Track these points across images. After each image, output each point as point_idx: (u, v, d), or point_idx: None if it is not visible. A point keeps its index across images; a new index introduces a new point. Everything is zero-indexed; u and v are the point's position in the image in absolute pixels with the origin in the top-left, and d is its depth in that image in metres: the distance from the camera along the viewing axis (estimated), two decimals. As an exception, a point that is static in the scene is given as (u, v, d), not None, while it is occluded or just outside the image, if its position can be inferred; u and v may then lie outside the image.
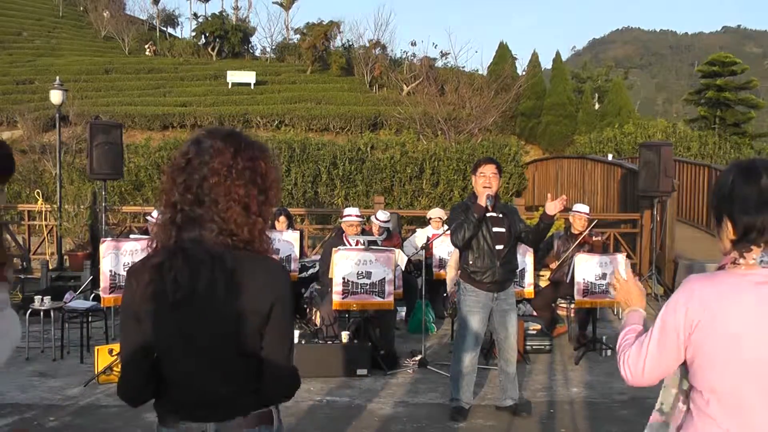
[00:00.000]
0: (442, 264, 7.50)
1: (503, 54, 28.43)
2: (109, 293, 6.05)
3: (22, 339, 6.10)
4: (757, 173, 1.71)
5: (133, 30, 38.00)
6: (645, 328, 1.87)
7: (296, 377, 1.81)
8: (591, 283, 6.51)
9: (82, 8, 42.54)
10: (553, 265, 7.48)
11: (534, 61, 28.07)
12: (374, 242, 7.11)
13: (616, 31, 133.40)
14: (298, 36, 38.15)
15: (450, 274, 6.85)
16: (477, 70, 31.36)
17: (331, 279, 6.06)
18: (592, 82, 34.37)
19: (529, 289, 6.94)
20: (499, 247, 4.71)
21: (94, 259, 8.80)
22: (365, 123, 25.67)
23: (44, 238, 10.33)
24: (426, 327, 6.92)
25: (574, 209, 7.52)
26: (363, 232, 7.41)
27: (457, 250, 5.03)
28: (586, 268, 6.53)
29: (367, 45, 33.16)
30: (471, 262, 4.73)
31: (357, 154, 16.05)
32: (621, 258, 6.66)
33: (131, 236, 7.17)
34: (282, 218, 7.66)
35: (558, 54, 28.63)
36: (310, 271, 7.36)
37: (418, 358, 6.22)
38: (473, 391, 4.93)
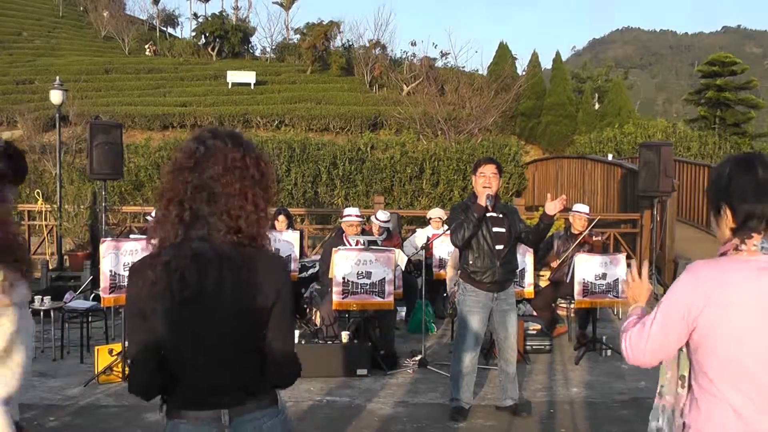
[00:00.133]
0: (442, 264, 7.49)
1: (503, 54, 28.44)
2: (109, 293, 6.04)
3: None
4: (753, 165, 1.81)
5: (133, 30, 38.02)
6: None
7: (298, 363, 1.87)
8: (591, 283, 6.51)
9: (82, 8, 42.58)
10: (555, 264, 7.48)
11: (534, 61, 28.09)
12: (374, 242, 7.11)
13: (616, 31, 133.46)
14: (298, 36, 38.18)
15: (450, 274, 6.85)
16: (477, 70, 31.45)
17: (331, 279, 6.06)
18: (592, 82, 34.40)
19: (529, 289, 6.94)
20: (499, 247, 4.71)
21: (94, 259, 8.81)
22: (365, 123, 25.68)
23: (44, 238, 10.33)
24: (426, 327, 6.92)
25: (574, 209, 7.52)
26: (363, 232, 7.40)
27: (457, 250, 5.03)
28: (586, 268, 6.53)
29: (367, 45, 33.18)
30: (471, 262, 4.73)
31: (357, 154, 16.04)
32: (621, 257, 6.68)
33: (131, 236, 7.16)
34: (282, 218, 7.65)
35: (558, 54, 28.67)
36: (310, 271, 7.36)
37: (418, 358, 6.22)
38: (473, 391, 4.93)
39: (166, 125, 25.84)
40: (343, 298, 5.97)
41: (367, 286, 5.97)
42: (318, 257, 7.67)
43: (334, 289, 5.99)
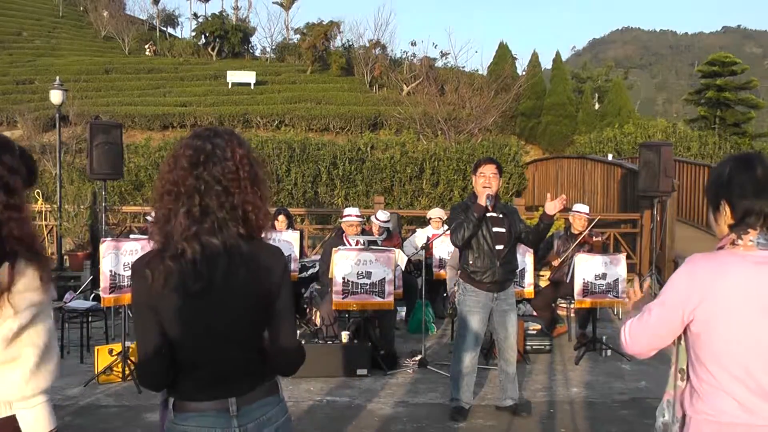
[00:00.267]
0: (442, 264, 7.50)
1: (503, 54, 28.45)
2: (109, 293, 6.03)
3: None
4: (753, 164, 1.88)
5: (133, 30, 38.03)
6: None
7: (302, 351, 1.93)
8: (591, 283, 6.51)
9: (82, 8, 42.58)
10: (556, 263, 7.48)
11: (534, 61, 28.09)
12: (374, 242, 7.11)
13: (616, 31, 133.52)
14: (298, 36, 38.19)
15: (450, 274, 6.85)
16: (477, 70, 31.45)
17: (331, 279, 6.05)
18: (592, 82, 34.41)
19: (529, 289, 6.94)
20: (499, 247, 4.71)
21: (94, 259, 8.81)
22: (365, 123, 25.68)
23: (44, 238, 10.33)
24: (426, 327, 6.92)
25: (574, 209, 7.52)
26: (363, 232, 7.40)
27: (457, 250, 5.03)
28: (586, 268, 6.53)
29: (367, 45, 33.18)
30: (471, 262, 4.73)
31: (357, 154, 16.03)
32: (621, 257, 6.68)
33: (131, 236, 7.16)
34: (282, 218, 7.65)
35: (558, 54, 28.72)
36: (310, 271, 7.36)
37: (418, 358, 6.22)
38: (473, 391, 4.92)
39: (166, 125, 25.84)
40: (343, 298, 5.97)
41: (367, 286, 5.97)
42: (318, 257, 7.66)
43: (334, 289, 5.98)
